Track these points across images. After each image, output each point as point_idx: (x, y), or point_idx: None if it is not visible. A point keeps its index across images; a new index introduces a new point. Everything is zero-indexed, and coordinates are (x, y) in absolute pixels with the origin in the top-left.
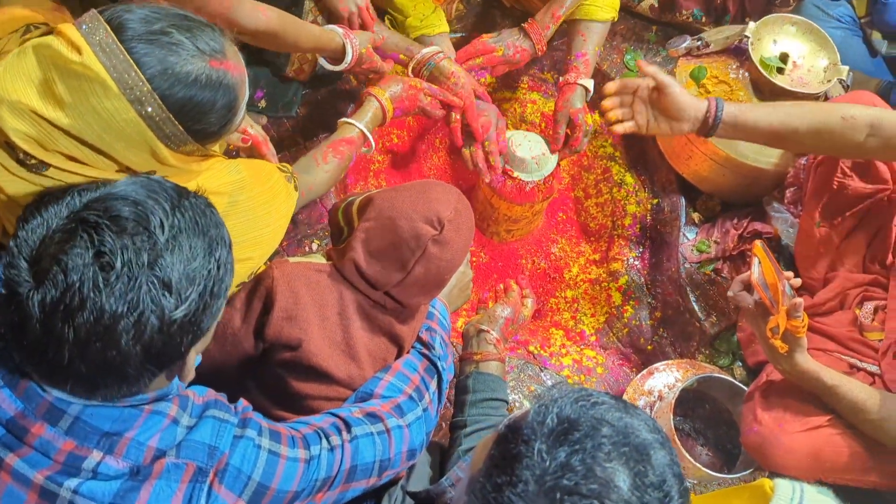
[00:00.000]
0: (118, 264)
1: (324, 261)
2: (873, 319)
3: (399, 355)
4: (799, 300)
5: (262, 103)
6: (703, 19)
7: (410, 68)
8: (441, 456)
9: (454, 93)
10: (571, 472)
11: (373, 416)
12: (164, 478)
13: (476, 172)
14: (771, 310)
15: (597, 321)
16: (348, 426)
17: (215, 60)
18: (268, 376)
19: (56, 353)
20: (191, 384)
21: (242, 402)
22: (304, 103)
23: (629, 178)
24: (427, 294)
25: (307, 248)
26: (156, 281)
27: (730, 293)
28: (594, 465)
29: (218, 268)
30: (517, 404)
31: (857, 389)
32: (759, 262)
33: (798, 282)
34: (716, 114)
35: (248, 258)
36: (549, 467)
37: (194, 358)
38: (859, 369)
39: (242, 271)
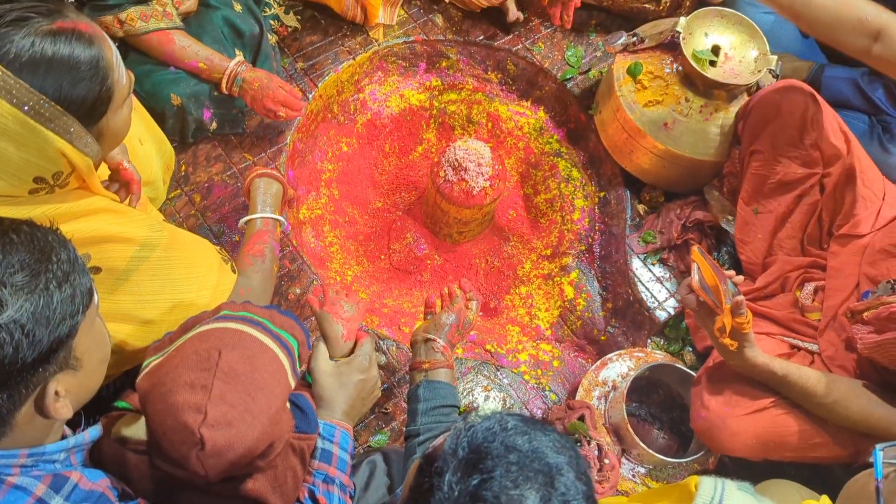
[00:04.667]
0: None
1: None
2: (813, 300)
3: None
4: (741, 298)
5: (214, 125)
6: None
7: (223, 84)
8: (399, 464)
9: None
10: (481, 502)
11: None
12: None
13: (426, 175)
14: (716, 310)
15: (551, 315)
16: None
17: (59, 22)
18: None
19: None
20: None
21: None
22: (251, 118)
23: (576, 173)
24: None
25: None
26: None
27: (677, 296)
28: (501, 493)
29: (59, 284)
30: (475, 404)
31: (805, 376)
32: (699, 268)
33: (740, 279)
34: None
35: (161, 320)
36: (458, 499)
37: (56, 389)
38: (800, 349)
39: (150, 335)
